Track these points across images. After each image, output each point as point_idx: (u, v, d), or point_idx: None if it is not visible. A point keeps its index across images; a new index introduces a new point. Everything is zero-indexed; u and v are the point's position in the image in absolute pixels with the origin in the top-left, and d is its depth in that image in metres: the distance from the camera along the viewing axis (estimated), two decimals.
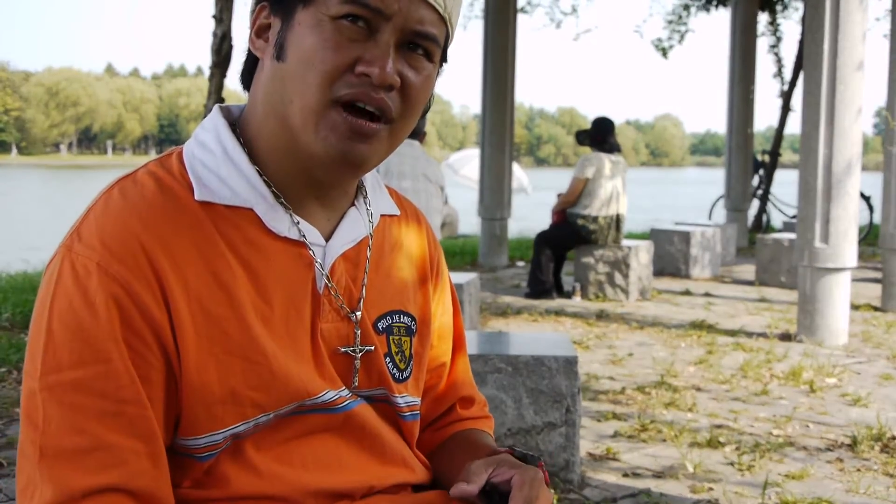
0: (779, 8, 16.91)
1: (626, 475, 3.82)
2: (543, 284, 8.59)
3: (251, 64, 1.27)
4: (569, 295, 8.72)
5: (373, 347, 1.31)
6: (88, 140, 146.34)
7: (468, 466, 1.29)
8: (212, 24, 7.79)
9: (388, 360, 1.33)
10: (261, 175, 1.23)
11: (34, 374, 1.11)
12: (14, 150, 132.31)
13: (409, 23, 1.16)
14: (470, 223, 17.73)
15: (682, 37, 16.40)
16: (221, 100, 7.74)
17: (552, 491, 3.50)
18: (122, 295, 1.11)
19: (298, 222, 1.25)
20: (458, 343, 1.57)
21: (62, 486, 1.07)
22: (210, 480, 1.21)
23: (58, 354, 1.10)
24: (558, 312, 7.89)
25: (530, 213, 20.62)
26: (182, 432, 1.17)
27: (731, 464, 3.97)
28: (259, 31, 1.23)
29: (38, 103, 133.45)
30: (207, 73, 7.95)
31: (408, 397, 1.37)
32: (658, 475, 3.83)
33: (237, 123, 1.28)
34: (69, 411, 1.09)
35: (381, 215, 1.40)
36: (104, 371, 1.10)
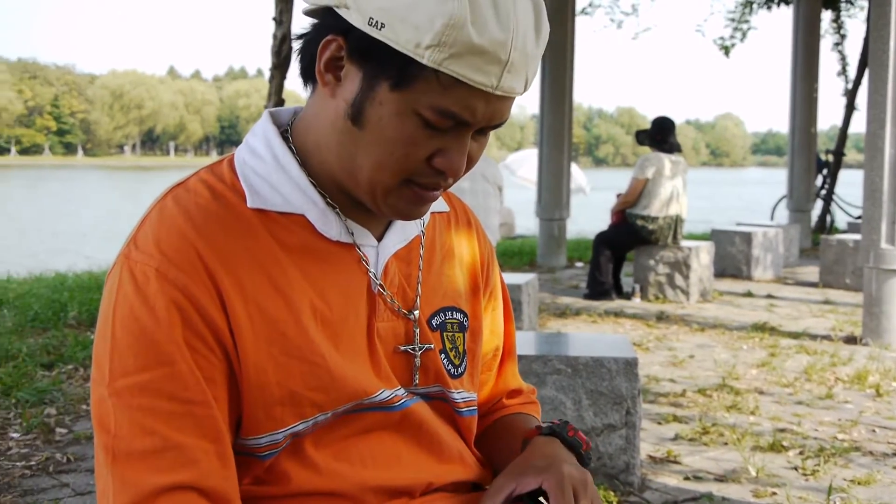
0: (843, 5, 16.63)
1: (687, 478, 3.78)
2: (602, 285, 8.54)
3: (311, 62, 1.21)
4: (628, 296, 8.66)
5: (432, 346, 1.32)
6: (151, 141, 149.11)
7: (492, 484, 1.29)
8: (272, 26, 7.86)
9: (442, 356, 1.34)
10: (311, 181, 1.24)
11: (102, 381, 1.13)
12: (80, 152, 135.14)
13: (491, 121, 1.16)
14: (528, 224, 17.71)
15: (743, 35, 16.21)
16: (281, 101, 7.81)
17: (612, 493, 3.48)
18: (181, 299, 1.13)
19: (350, 225, 1.26)
20: (509, 347, 1.57)
21: (136, 486, 1.09)
22: (271, 477, 1.22)
23: (123, 360, 1.12)
24: (618, 314, 7.83)
25: (589, 214, 20.52)
26: (243, 433, 1.19)
27: (795, 468, 3.91)
28: (328, 65, 1.16)
29: (102, 105, 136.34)
30: (267, 74, 8.02)
31: (464, 393, 1.37)
32: (720, 479, 3.78)
33: (289, 128, 1.28)
34: (138, 414, 1.11)
35: (431, 213, 1.40)
36: (169, 373, 1.12)
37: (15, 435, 4.18)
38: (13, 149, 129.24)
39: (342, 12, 1.12)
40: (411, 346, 1.30)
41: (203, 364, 1.13)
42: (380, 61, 1.11)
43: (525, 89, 1.16)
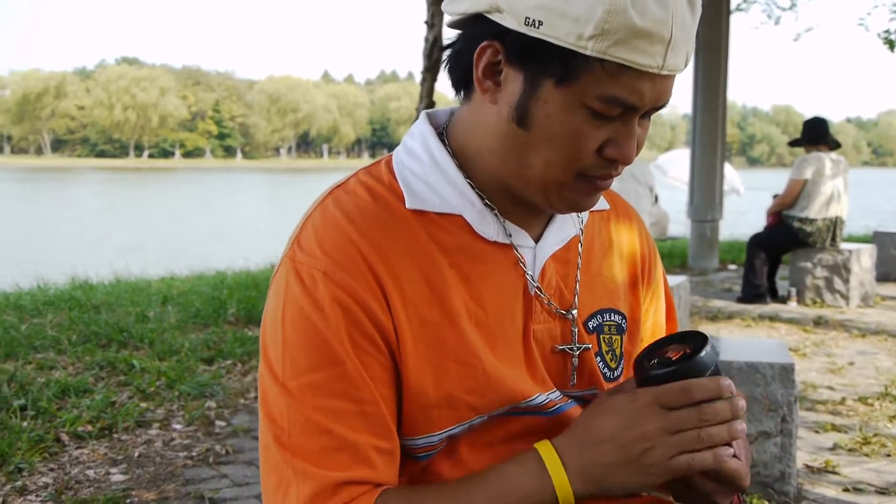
0: None
1: (846, 490, 3.64)
2: (757, 288, 8.31)
3: (465, 71, 1.21)
4: (784, 300, 8.39)
5: (590, 346, 1.30)
6: (306, 144, 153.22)
7: None
8: (423, 29, 7.97)
9: (598, 359, 1.32)
10: (468, 181, 1.24)
11: (276, 380, 1.16)
12: (239, 155, 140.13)
13: (657, 102, 1.14)
14: (679, 225, 17.37)
15: None
16: (432, 103, 7.91)
17: (767, 502, 3.38)
18: (348, 300, 1.15)
19: (507, 226, 1.25)
20: None
21: (318, 478, 1.12)
22: (425, 477, 1.23)
23: (295, 360, 1.15)
24: (773, 318, 7.61)
25: (742, 215, 19.98)
26: (400, 433, 1.20)
27: None
28: (486, 71, 1.15)
29: (260, 110, 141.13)
30: (418, 77, 8.13)
31: None
32: (882, 491, 3.63)
33: (445, 129, 1.28)
34: (313, 413, 1.13)
35: (591, 212, 1.38)
36: (340, 373, 1.14)
37: (178, 426, 4.37)
38: (177, 152, 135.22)
39: (495, 17, 1.11)
40: (569, 346, 1.29)
41: (370, 363, 1.15)
42: (541, 60, 1.10)
43: (685, 66, 1.14)
